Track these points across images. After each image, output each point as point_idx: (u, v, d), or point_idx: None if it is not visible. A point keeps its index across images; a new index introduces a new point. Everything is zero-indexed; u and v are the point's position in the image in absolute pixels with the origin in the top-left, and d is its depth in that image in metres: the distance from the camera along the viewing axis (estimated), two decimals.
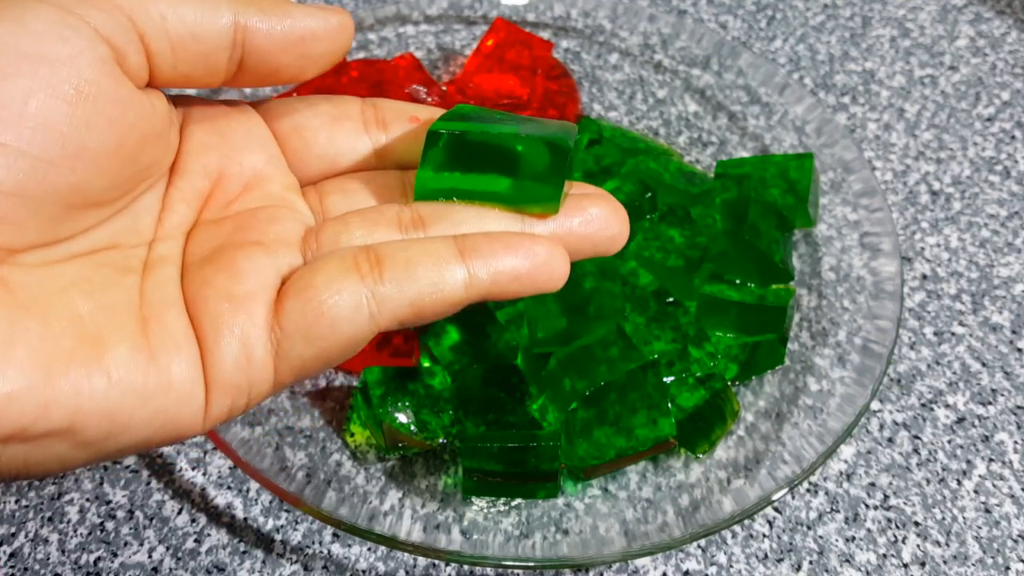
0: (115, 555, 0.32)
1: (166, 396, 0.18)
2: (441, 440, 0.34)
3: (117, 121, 0.19)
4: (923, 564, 0.33)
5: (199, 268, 0.20)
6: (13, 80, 0.17)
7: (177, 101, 0.23)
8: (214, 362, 0.19)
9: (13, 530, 0.33)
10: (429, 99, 0.43)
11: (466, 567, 0.33)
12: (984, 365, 0.39)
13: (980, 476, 0.35)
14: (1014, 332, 0.40)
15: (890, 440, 0.36)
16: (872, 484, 0.35)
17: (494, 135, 0.23)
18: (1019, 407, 0.38)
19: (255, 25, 0.21)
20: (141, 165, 0.21)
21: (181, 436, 0.19)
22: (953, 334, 0.40)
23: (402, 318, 0.20)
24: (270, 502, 0.34)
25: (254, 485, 0.34)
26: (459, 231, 0.22)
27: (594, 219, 0.23)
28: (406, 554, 0.33)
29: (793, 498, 0.35)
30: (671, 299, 0.36)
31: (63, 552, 0.32)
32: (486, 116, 0.25)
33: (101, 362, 0.18)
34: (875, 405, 0.37)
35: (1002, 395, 0.38)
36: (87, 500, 0.34)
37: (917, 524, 0.34)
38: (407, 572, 0.32)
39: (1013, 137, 0.48)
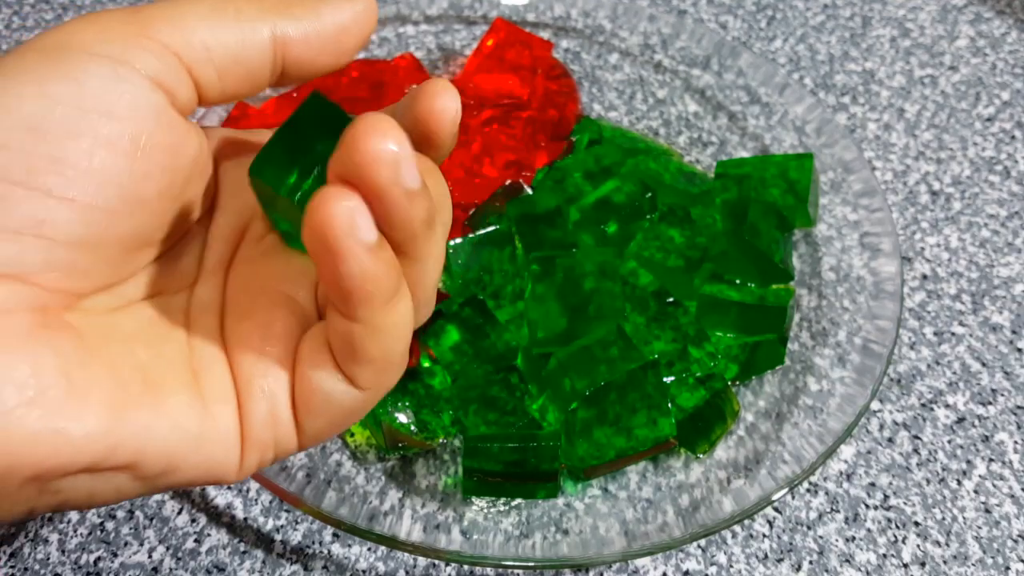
0: (115, 555, 0.32)
1: (215, 443, 0.20)
2: (441, 440, 0.34)
3: (169, 168, 0.20)
4: (923, 564, 0.33)
5: (237, 323, 0.21)
6: (77, 139, 0.18)
7: (208, 134, 0.24)
8: (247, 416, 0.20)
9: (13, 530, 0.33)
10: None
11: (466, 567, 0.33)
12: (984, 365, 0.39)
13: (980, 476, 0.35)
14: (1014, 332, 0.40)
15: (890, 440, 0.36)
16: (872, 484, 0.35)
17: None
18: (1019, 407, 0.38)
19: (292, 34, 0.21)
20: (187, 201, 0.21)
21: (219, 482, 0.20)
22: (953, 334, 0.40)
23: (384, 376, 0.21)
24: (270, 502, 0.34)
25: (254, 485, 0.34)
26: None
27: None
28: (406, 554, 0.33)
29: (793, 498, 0.35)
30: (671, 299, 0.36)
31: (63, 552, 0.32)
32: None
33: (163, 407, 0.19)
34: (875, 405, 0.37)
35: (1002, 395, 0.38)
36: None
37: (917, 524, 0.34)
38: (407, 572, 0.32)
39: (1013, 137, 0.48)
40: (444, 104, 0.21)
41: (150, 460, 0.19)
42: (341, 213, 0.17)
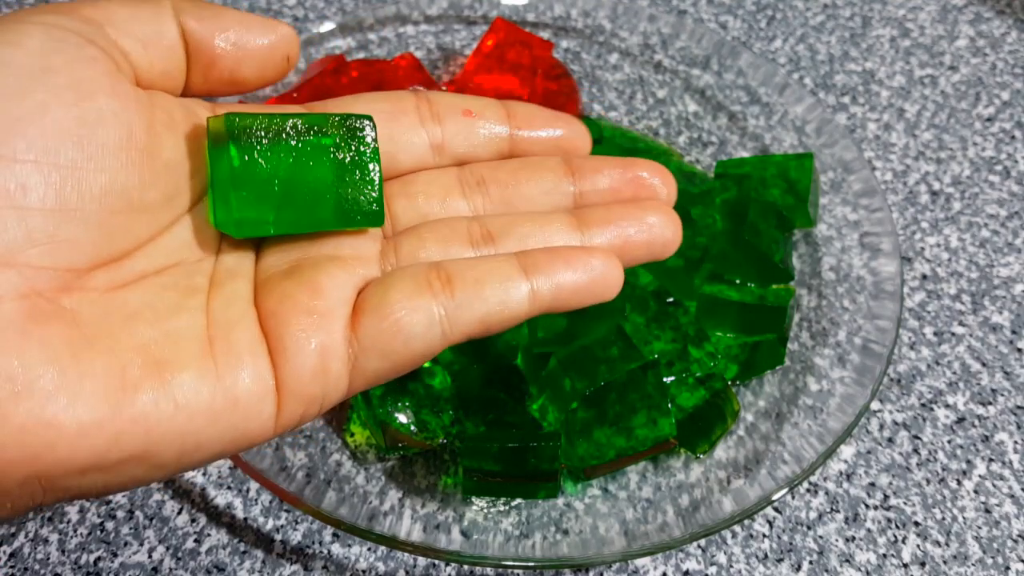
0: (115, 555, 0.32)
1: (234, 412, 0.19)
2: (441, 440, 0.34)
3: (120, 113, 0.20)
4: (923, 564, 0.33)
5: (278, 282, 0.21)
6: (29, 97, 0.18)
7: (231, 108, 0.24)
8: (291, 371, 0.20)
9: (13, 530, 0.33)
10: None
11: (466, 567, 0.33)
12: (984, 365, 0.39)
13: (980, 476, 0.35)
14: (1014, 332, 0.40)
15: (890, 440, 0.36)
16: (872, 484, 0.35)
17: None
18: (1019, 407, 0.38)
19: (199, 31, 0.22)
20: (167, 161, 0.21)
21: (253, 444, 0.20)
22: (953, 334, 0.40)
23: (472, 334, 0.22)
24: (270, 502, 0.34)
25: (254, 485, 0.34)
26: (525, 245, 0.24)
27: (650, 227, 0.24)
28: (406, 554, 0.33)
29: (793, 498, 0.35)
30: (671, 299, 0.36)
31: (63, 552, 0.32)
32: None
33: (167, 388, 0.18)
34: (875, 405, 0.37)
35: (1002, 395, 0.38)
36: (87, 500, 0.34)
37: (917, 524, 0.34)
38: (407, 572, 0.32)
39: (1013, 137, 0.48)
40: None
41: (163, 446, 0.18)
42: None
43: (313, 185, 0.22)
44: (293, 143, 0.22)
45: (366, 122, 0.24)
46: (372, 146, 0.23)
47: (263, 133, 0.22)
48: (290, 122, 0.22)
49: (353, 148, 0.23)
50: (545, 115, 0.27)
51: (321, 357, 0.20)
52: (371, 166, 0.23)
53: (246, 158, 0.21)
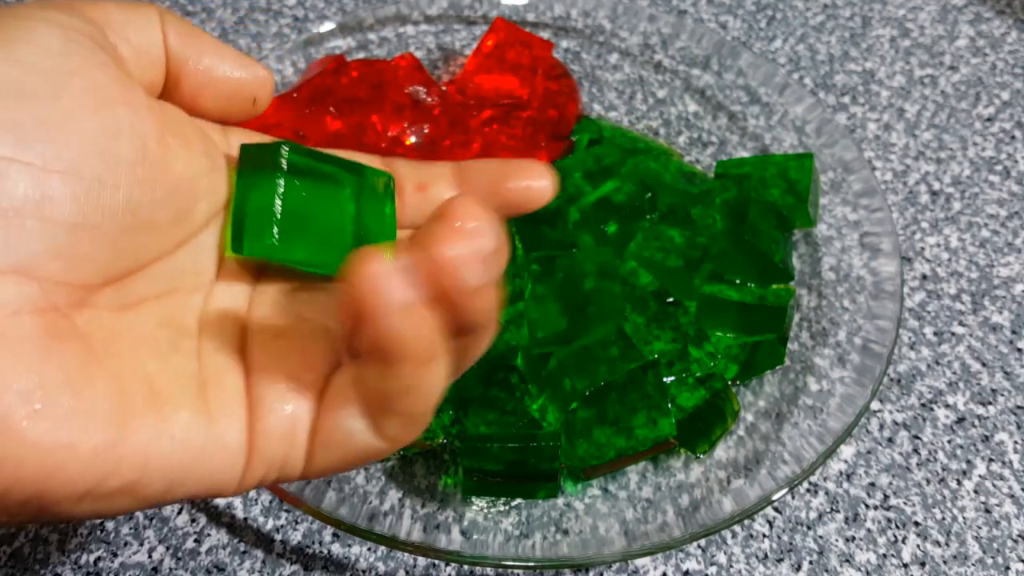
0: (115, 555, 0.32)
1: (219, 459, 0.19)
2: (441, 440, 0.34)
3: (136, 125, 0.19)
4: (923, 564, 0.33)
5: (272, 340, 0.21)
6: (55, 100, 0.17)
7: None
8: (263, 431, 0.20)
9: (13, 530, 0.33)
10: (429, 99, 0.43)
11: (466, 567, 0.32)
12: (984, 365, 0.39)
13: (980, 476, 0.35)
14: (1014, 332, 0.40)
15: (890, 440, 0.36)
16: (872, 484, 0.35)
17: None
18: (1019, 407, 0.38)
19: (178, 50, 0.22)
20: (177, 180, 0.20)
21: (219, 495, 0.20)
22: (953, 334, 0.40)
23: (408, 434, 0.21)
24: (270, 502, 0.34)
25: None
26: None
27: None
28: (406, 554, 0.33)
29: (793, 498, 0.35)
30: (671, 299, 0.36)
31: (63, 552, 0.32)
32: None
33: (168, 422, 0.18)
34: (875, 405, 0.37)
35: (1002, 395, 0.38)
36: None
37: (917, 524, 0.34)
38: (407, 572, 0.32)
39: (1013, 137, 0.48)
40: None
41: (154, 479, 0.18)
42: (380, 275, 0.16)
43: (337, 231, 0.22)
44: (326, 186, 0.22)
45: (391, 184, 0.24)
46: (391, 212, 0.24)
47: (300, 169, 0.22)
48: (326, 164, 0.22)
49: (375, 206, 0.23)
50: (497, 172, 0.26)
51: (292, 424, 0.20)
52: (388, 228, 0.24)
53: (282, 191, 0.21)
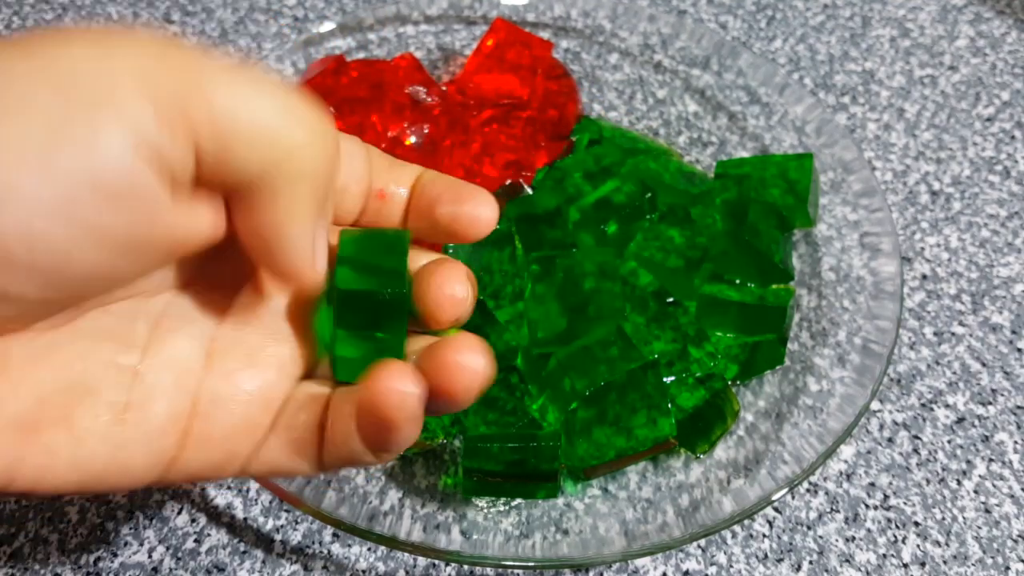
0: (115, 555, 0.32)
1: (121, 478, 0.20)
2: (441, 440, 0.34)
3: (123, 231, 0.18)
4: (923, 564, 0.33)
5: (236, 372, 0.21)
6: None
7: None
8: (198, 453, 0.20)
9: (13, 530, 0.33)
10: (429, 99, 0.43)
11: (466, 567, 0.32)
12: (984, 365, 0.39)
13: (980, 476, 0.35)
14: (1014, 332, 0.40)
15: (890, 440, 0.36)
16: (872, 484, 0.35)
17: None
18: (1019, 407, 0.38)
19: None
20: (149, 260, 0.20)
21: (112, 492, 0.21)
22: (953, 334, 0.40)
23: (338, 467, 0.22)
24: (270, 502, 0.34)
25: (254, 485, 0.34)
26: None
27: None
28: (406, 554, 0.33)
29: (793, 498, 0.35)
30: (671, 299, 0.36)
31: (63, 552, 0.32)
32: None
33: (75, 429, 0.19)
34: (875, 405, 0.37)
35: (1002, 395, 0.38)
36: (87, 500, 0.34)
37: (917, 524, 0.34)
38: (407, 572, 0.32)
39: (1013, 137, 0.48)
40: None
41: (47, 491, 0.18)
42: (405, 396, 0.20)
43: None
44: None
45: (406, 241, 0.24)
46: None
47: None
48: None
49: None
50: (449, 191, 0.24)
51: (227, 459, 0.21)
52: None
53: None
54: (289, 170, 0.18)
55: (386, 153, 0.25)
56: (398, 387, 0.19)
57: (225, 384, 0.21)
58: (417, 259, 0.24)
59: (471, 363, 0.21)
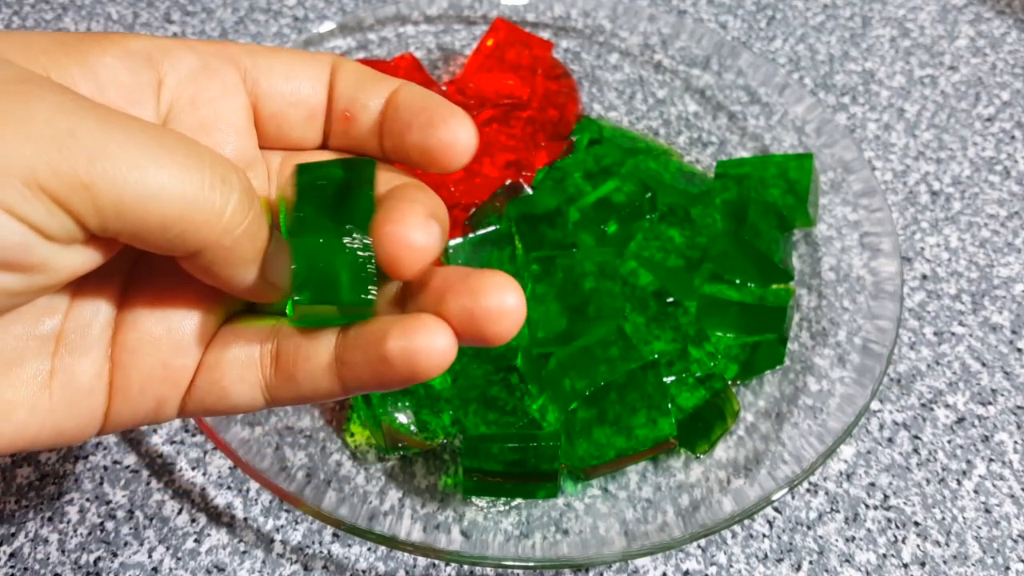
0: (115, 555, 0.32)
1: (57, 438, 0.20)
2: (441, 440, 0.34)
3: None
4: (923, 564, 0.33)
5: (143, 314, 0.21)
6: None
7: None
8: (126, 409, 0.21)
9: (13, 530, 0.33)
10: None
11: (466, 567, 0.33)
12: (984, 365, 0.39)
13: (980, 476, 0.35)
14: (1014, 332, 0.40)
15: (890, 440, 0.36)
16: (872, 484, 0.35)
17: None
18: (1019, 407, 0.38)
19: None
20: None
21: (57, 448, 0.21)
22: (953, 334, 0.40)
23: (293, 403, 0.22)
24: (270, 502, 0.34)
25: (254, 485, 0.34)
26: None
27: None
28: (406, 554, 0.33)
29: (793, 498, 0.35)
30: (671, 299, 0.36)
31: (63, 552, 0.32)
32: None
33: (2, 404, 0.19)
34: (875, 405, 0.37)
35: (1002, 395, 0.38)
36: (87, 500, 0.34)
37: (917, 524, 0.34)
38: (407, 572, 0.32)
39: (1013, 137, 0.48)
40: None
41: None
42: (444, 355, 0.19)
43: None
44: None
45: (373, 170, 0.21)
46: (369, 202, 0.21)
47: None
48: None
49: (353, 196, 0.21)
50: (421, 113, 0.22)
51: (159, 405, 0.21)
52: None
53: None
54: (197, 242, 0.18)
55: (367, 66, 0.23)
56: (438, 345, 0.19)
57: (134, 332, 0.21)
58: (386, 182, 0.22)
59: (503, 303, 0.19)
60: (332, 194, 0.20)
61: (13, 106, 0.17)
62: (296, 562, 0.32)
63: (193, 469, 0.35)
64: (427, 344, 0.19)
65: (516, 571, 0.32)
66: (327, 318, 0.21)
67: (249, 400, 0.22)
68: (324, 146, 0.24)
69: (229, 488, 0.34)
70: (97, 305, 0.21)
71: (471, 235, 0.37)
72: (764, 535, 0.34)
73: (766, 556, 0.33)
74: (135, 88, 0.21)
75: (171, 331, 0.21)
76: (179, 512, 0.34)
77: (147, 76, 0.21)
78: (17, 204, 0.16)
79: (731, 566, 0.33)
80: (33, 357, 0.20)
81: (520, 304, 0.19)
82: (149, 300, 0.21)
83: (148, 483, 0.34)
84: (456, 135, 0.21)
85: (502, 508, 0.33)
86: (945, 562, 0.33)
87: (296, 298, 0.20)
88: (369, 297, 0.20)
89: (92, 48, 0.20)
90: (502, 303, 0.19)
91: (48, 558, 0.32)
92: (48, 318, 0.20)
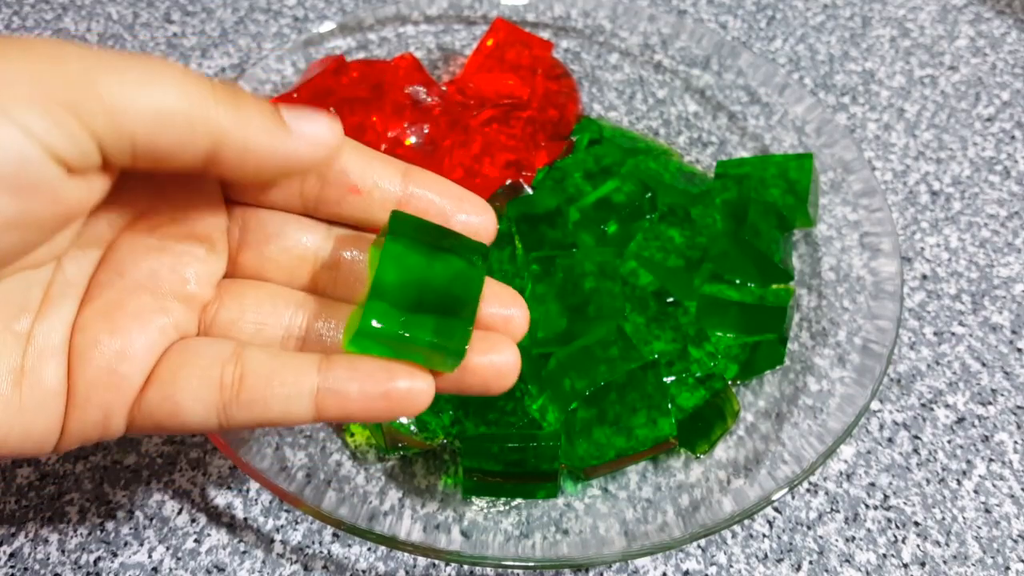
0: (115, 555, 0.32)
1: (24, 441, 0.20)
2: (441, 440, 0.34)
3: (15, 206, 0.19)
4: (923, 564, 0.33)
5: (94, 320, 0.21)
6: None
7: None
8: (76, 418, 0.21)
9: (13, 530, 0.33)
10: (429, 99, 0.43)
11: (466, 567, 0.32)
12: (984, 365, 0.39)
13: (980, 476, 0.35)
14: (1014, 332, 0.40)
15: (890, 440, 0.36)
16: (872, 484, 0.35)
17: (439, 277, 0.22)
18: (1019, 407, 0.38)
19: (230, 133, 0.21)
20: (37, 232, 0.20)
21: (26, 457, 0.21)
22: (953, 334, 0.40)
23: (249, 427, 0.23)
24: (270, 502, 0.34)
25: (254, 485, 0.34)
26: (338, 333, 0.24)
27: (485, 367, 0.23)
28: (406, 554, 0.33)
29: (793, 498, 0.35)
30: (671, 299, 0.36)
31: (63, 552, 0.32)
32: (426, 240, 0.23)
33: None
34: (875, 405, 0.37)
35: (1002, 395, 0.38)
36: (87, 500, 0.34)
37: (917, 524, 0.34)
38: (407, 572, 0.32)
39: (1013, 137, 0.48)
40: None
41: None
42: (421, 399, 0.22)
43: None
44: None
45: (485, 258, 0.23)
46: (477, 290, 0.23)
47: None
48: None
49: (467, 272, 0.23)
50: (444, 202, 0.25)
51: (106, 416, 0.21)
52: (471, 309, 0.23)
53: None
54: (217, 140, 0.20)
55: (364, 146, 0.24)
56: (419, 386, 0.21)
57: (84, 336, 0.21)
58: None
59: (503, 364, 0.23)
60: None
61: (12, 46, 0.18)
62: (296, 562, 0.32)
63: (193, 469, 0.35)
64: (426, 386, 0.22)
65: (516, 571, 0.32)
66: (392, 349, 0.22)
67: (202, 419, 0.22)
68: (314, 209, 0.25)
69: (229, 488, 0.34)
70: (61, 307, 0.22)
71: None
72: (764, 535, 0.34)
73: (766, 556, 0.33)
74: None
75: (118, 338, 0.21)
76: (179, 512, 0.34)
77: None
78: (36, 125, 0.17)
79: (731, 566, 0.33)
80: (9, 353, 0.20)
81: (516, 362, 0.23)
82: (102, 307, 0.22)
83: (148, 483, 0.34)
84: (487, 214, 0.25)
85: (502, 508, 0.33)
86: (945, 562, 0.33)
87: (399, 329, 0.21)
88: (464, 349, 0.22)
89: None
90: (492, 362, 0.23)
91: (48, 558, 0.32)
92: (25, 316, 0.21)
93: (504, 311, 0.24)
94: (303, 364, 0.22)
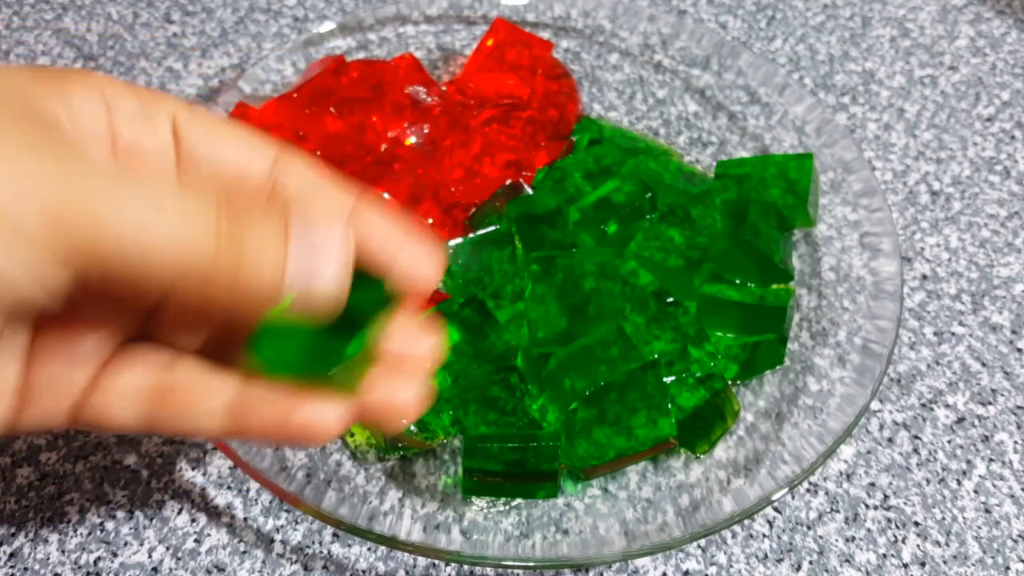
0: (115, 555, 0.32)
1: None
2: (441, 440, 0.34)
3: None
4: (923, 564, 0.33)
5: (50, 327, 0.21)
6: None
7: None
8: (27, 416, 0.21)
9: (13, 530, 0.33)
10: (429, 99, 0.43)
11: (466, 567, 0.32)
12: (984, 365, 0.39)
13: (980, 476, 0.35)
14: (1014, 332, 0.40)
15: (890, 440, 0.36)
16: (872, 484, 0.35)
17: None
18: (1019, 407, 0.38)
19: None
20: None
21: None
22: (953, 334, 0.40)
23: (168, 434, 0.23)
24: (270, 502, 0.34)
25: (254, 485, 0.34)
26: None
27: (384, 403, 0.23)
28: (406, 554, 0.33)
29: (793, 498, 0.35)
30: (671, 299, 0.36)
31: (63, 552, 0.32)
32: None
33: None
34: (875, 405, 0.37)
35: (1002, 395, 0.38)
36: (87, 500, 0.34)
37: (917, 524, 0.34)
38: (407, 572, 0.32)
39: (1013, 137, 0.48)
40: None
41: None
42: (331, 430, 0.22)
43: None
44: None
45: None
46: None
47: None
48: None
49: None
50: (392, 241, 0.23)
51: (43, 414, 0.21)
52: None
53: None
54: (192, 285, 0.19)
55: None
56: (330, 421, 0.21)
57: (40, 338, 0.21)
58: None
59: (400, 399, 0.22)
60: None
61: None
62: (296, 562, 0.32)
63: (193, 469, 0.35)
64: (334, 416, 0.22)
65: (516, 571, 0.32)
66: (296, 367, 0.22)
67: (131, 422, 0.22)
68: None
69: (229, 488, 0.34)
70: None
71: (471, 235, 0.37)
72: (764, 535, 0.34)
73: (766, 556, 0.33)
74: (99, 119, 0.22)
75: (69, 344, 0.21)
76: (179, 512, 0.34)
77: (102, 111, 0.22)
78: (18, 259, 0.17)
79: (731, 566, 0.33)
80: None
81: (418, 400, 0.23)
82: (57, 317, 0.22)
83: (148, 483, 0.34)
84: (434, 260, 0.24)
85: (502, 508, 0.33)
86: (945, 562, 0.33)
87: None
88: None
89: (68, 80, 0.21)
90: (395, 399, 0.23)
91: (48, 558, 0.32)
92: None
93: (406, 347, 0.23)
94: (226, 378, 0.22)
